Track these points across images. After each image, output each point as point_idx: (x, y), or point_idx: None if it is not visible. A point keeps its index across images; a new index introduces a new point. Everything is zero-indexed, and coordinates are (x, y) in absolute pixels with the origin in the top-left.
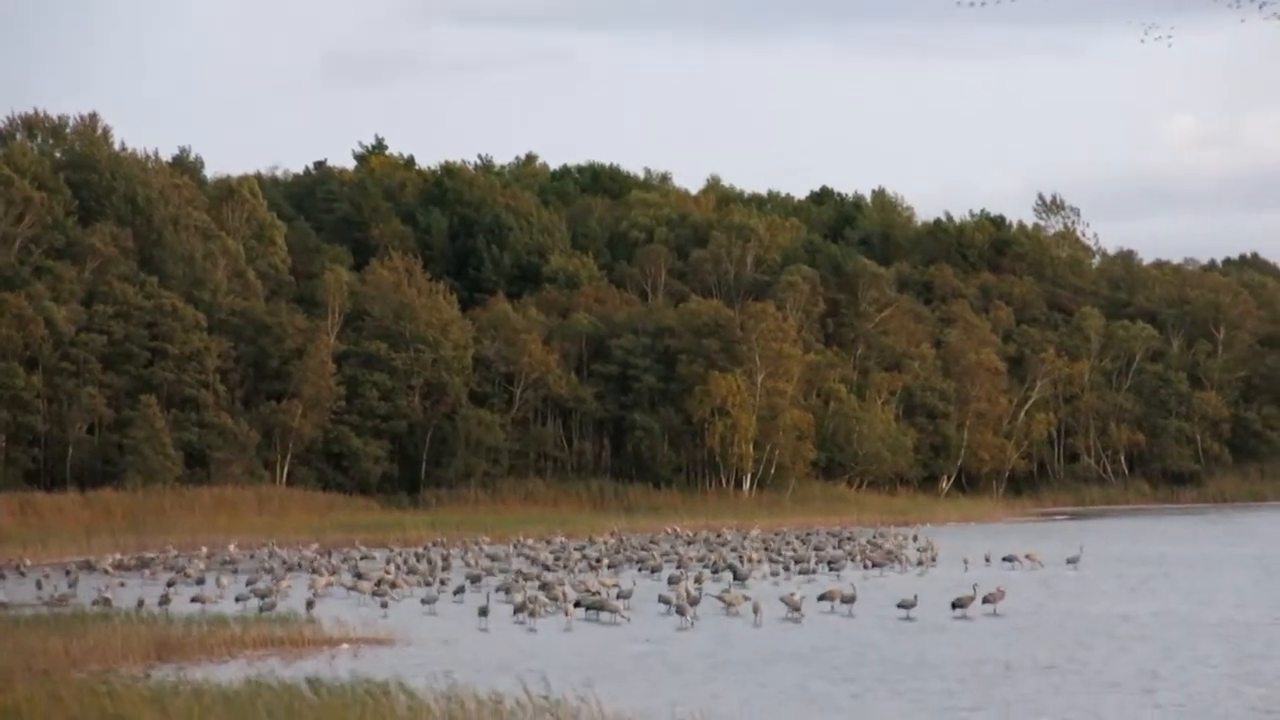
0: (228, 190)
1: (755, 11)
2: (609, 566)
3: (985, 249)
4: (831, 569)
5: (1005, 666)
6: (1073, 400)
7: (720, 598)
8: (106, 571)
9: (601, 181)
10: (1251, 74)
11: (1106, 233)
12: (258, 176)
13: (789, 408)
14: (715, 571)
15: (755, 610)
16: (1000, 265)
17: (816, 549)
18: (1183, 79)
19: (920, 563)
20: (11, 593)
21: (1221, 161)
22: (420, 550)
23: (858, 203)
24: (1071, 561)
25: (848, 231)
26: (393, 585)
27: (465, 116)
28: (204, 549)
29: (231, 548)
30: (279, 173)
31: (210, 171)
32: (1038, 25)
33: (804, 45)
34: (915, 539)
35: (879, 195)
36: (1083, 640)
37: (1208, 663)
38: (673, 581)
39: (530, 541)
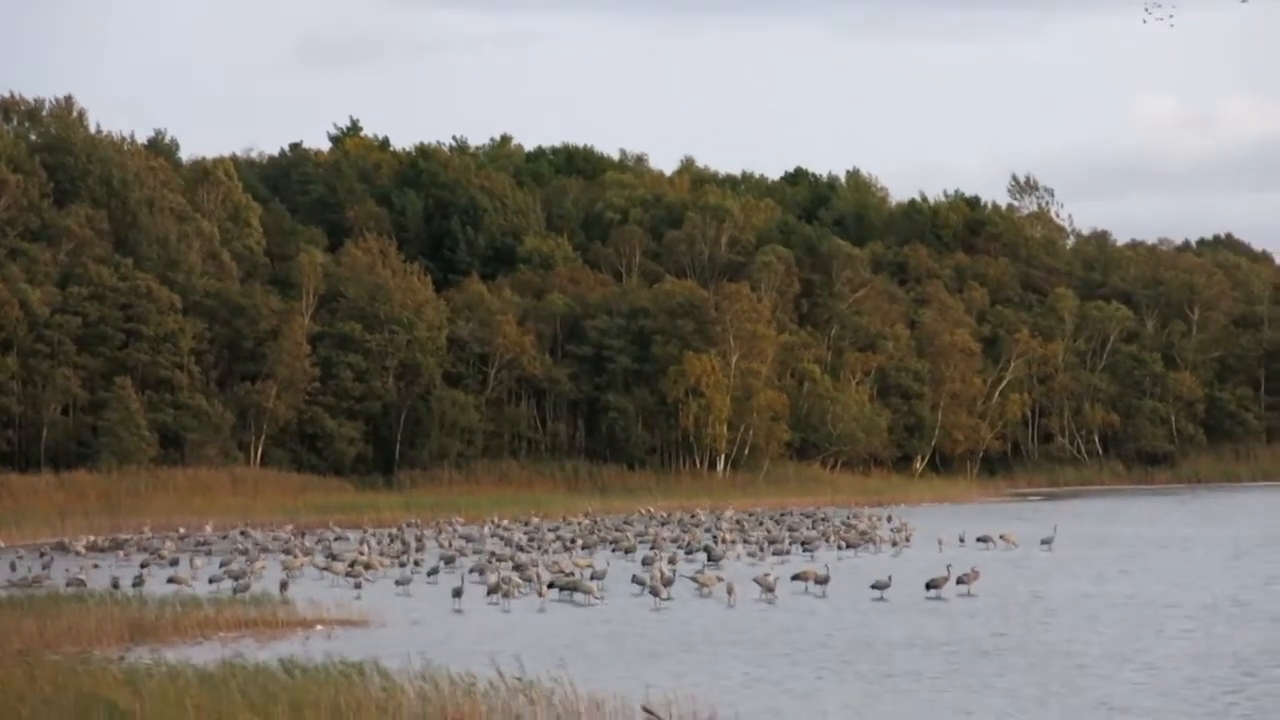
0: (203, 172)
1: None
2: (583, 548)
3: (959, 229)
4: (805, 549)
5: (977, 647)
6: (1047, 381)
7: (694, 579)
8: (79, 553)
9: (576, 163)
10: (1227, 56)
11: (1080, 213)
12: (233, 158)
13: (763, 388)
14: (689, 552)
15: (729, 591)
16: (974, 246)
17: (790, 530)
18: (1158, 60)
19: (894, 543)
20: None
21: (1196, 142)
22: (394, 531)
23: (832, 183)
24: (1045, 542)
25: (822, 212)
26: (366, 566)
27: (440, 98)
28: (180, 530)
29: (207, 529)
30: (254, 154)
31: (185, 153)
32: (1011, 5)
33: (777, 26)
34: (889, 520)
35: (853, 176)
36: (1054, 621)
37: (1176, 644)
38: (647, 562)
39: (505, 522)
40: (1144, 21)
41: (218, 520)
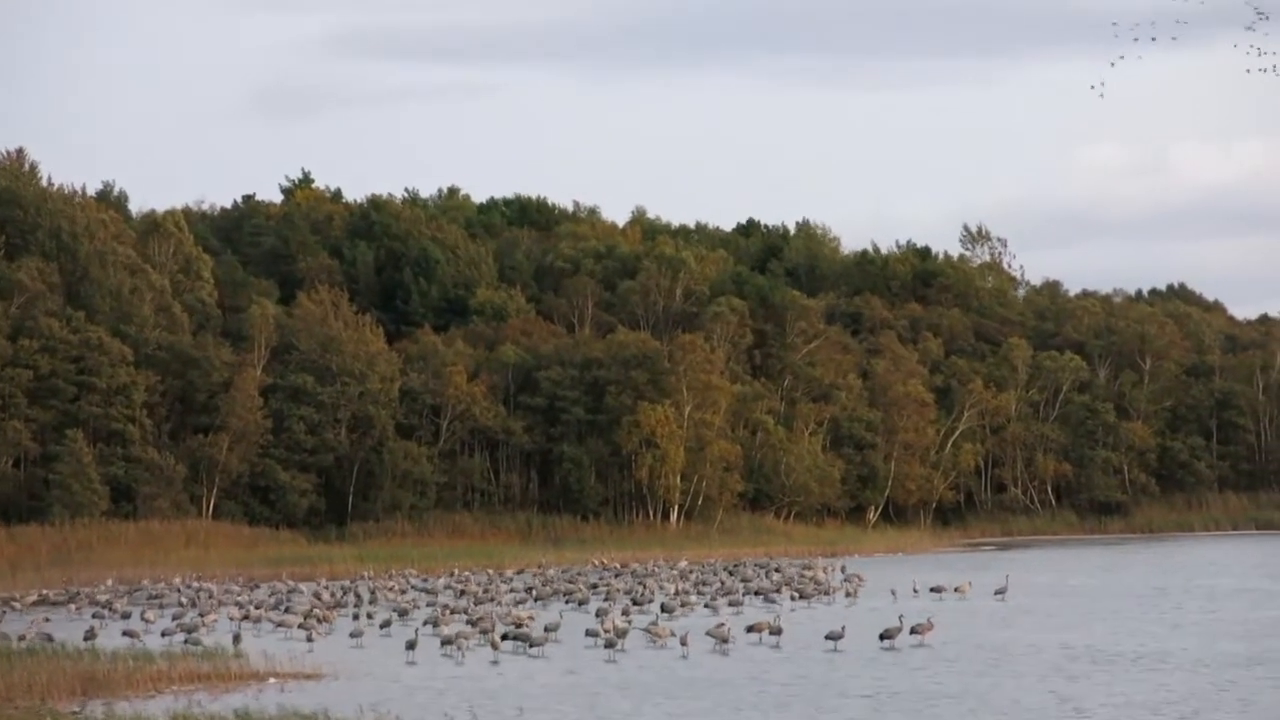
0: (154, 224)
1: (677, 45)
2: (536, 599)
3: (910, 280)
4: (759, 598)
5: (930, 697)
6: (1000, 431)
7: (647, 630)
8: (14, 607)
9: (529, 214)
10: (1174, 104)
11: (1031, 263)
12: (184, 210)
13: (716, 439)
14: (638, 604)
15: (683, 642)
16: (926, 296)
17: (744, 580)
18: (1105, 108)
19: (848, 594)
20: None
21: (1145, 191)
22: (347, 584)
23: (784, 234)
24: (999, 593)
25: (774, 263)
26: (320, 619)
27: (391, 149)
28: (145, 582)
29: (148, 582)
30: (205, 206)
31: (136, 206)
32: (959, 55)
33: (727, 78)
34: (843, 570)
35: (804, 227)
36: (1007, 671)
37: (1128, 694)
38: (600, 614)
39: (462, 573)
40: (1112, 65)
41: (169, 574)
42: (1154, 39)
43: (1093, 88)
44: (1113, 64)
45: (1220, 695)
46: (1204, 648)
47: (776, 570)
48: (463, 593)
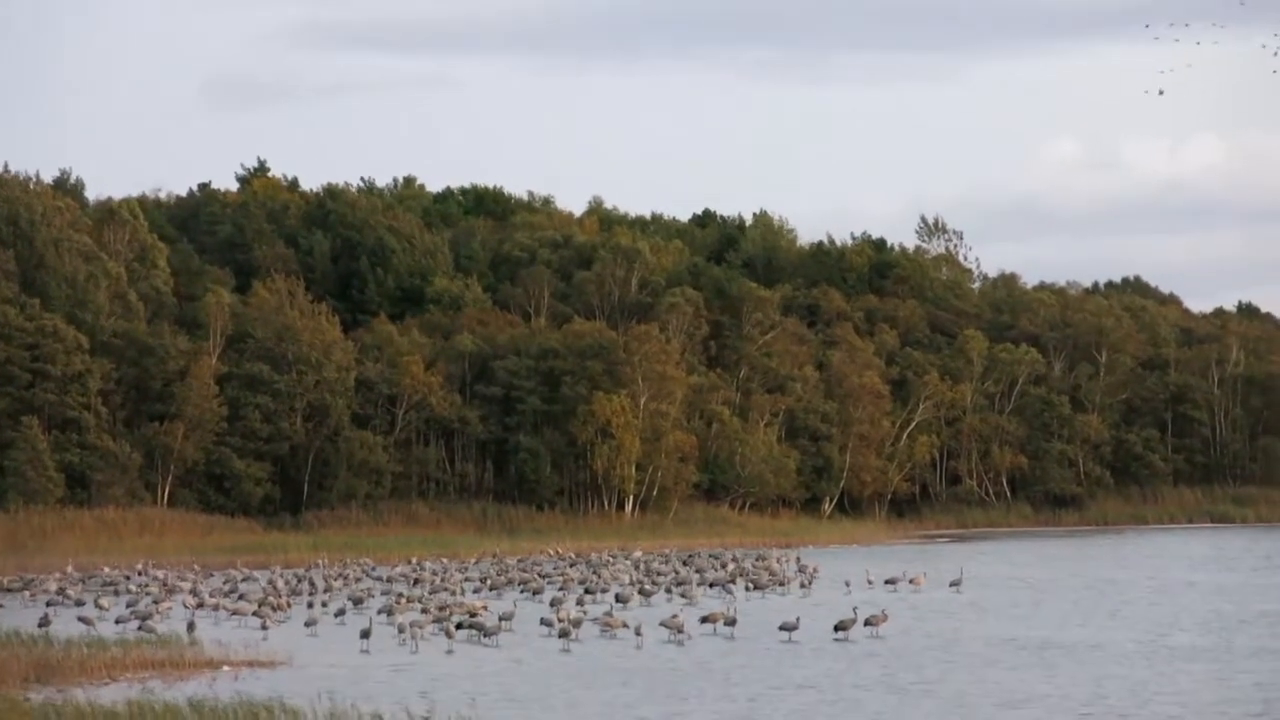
0: (109, 212)
1: (635, 36)
2: (491, 588)
3: (867, 272)
4: (714, 588)
5: (884, 688)
6: (955, 423)
7: (601, 620)
8: None
9: (485, 204)
10: (1128, 99)
11: (986, 255)
12: (140, 199)
13: (672, 430)
14: (591, 593)
15: (637, 633)
16: (883, 288)
17: (699, 571)
18: (1060, 103)
19: (803, 585)
20: None
21: (1100, 185)
22: (301, 572)
23: (740, 225)
24: (954, 584)
25: (730, 254)
26: (274, 608)
27: (347, 139)
28: (106, 569)
29: (108, 569)
30: (162, 195)
31: (92, 194)
32: (916, 49)
33: (684, 69)
34: (798, 561)
35: (761, 218)
36: (961, 662)
37: (1074, 685)
38: (555, 604)
39: (417, 561)
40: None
41: (124, 561)
42: (1198, 43)
43: (1146, 92)
44: (1162, 72)
45: (1163, 686)
46: (1151, 640)
47: (732, 561)
48: (417, 581)
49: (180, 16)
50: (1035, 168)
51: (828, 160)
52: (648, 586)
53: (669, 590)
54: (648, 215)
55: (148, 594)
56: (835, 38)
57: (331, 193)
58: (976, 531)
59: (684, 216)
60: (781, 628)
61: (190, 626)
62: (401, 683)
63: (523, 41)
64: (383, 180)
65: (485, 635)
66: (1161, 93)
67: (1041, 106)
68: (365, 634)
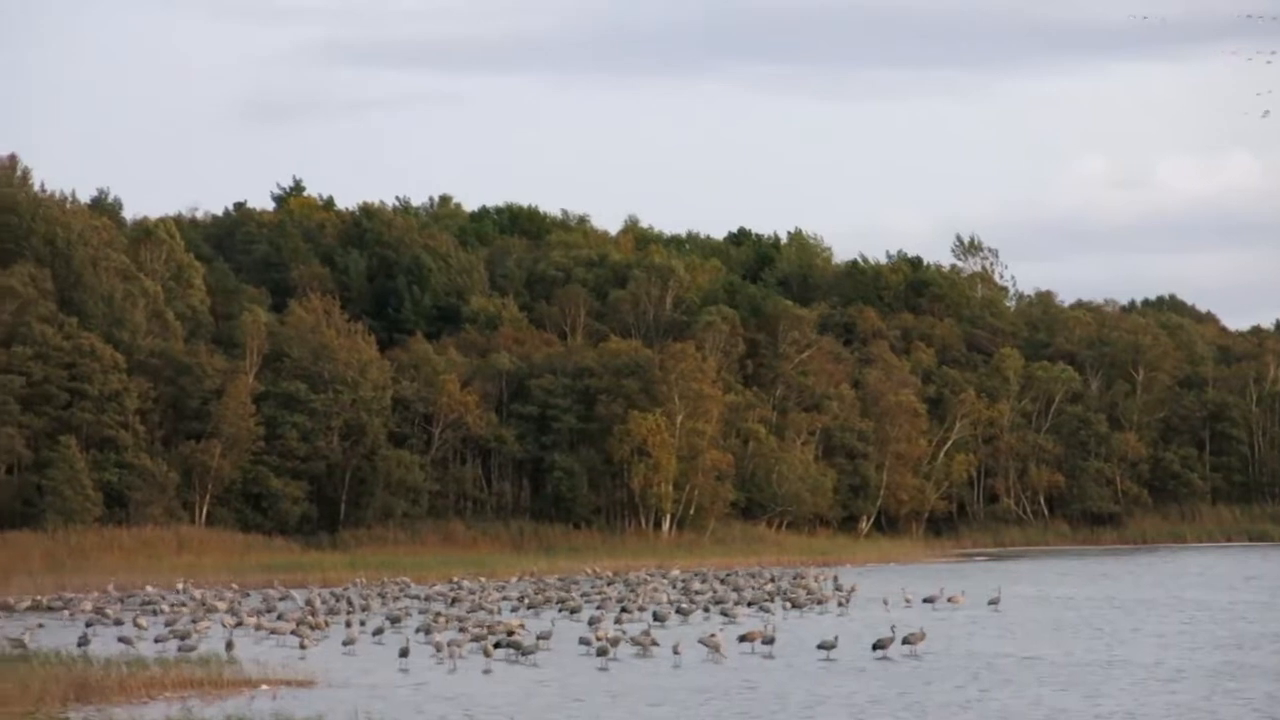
0: (145, 232)
1: (671, 54)
2: (529, 607)
3: (903, 290)
4: (752, 607)
5: (923, 707)
6: (992, 441)
7: (639, 639)
8: (10, 610)
9: (520, 222)
10: (1160, 116)
11: (1021, 274)
12: (177, 218)
13: (708, 448)
14: (628, 611)
15: (675, 651)
16: (918, 306)
17: (736, 590)
18: (1092, 120)
19: (840, 603)
20: None
21: (1134, 203)
22: (339, 591)
23: (775, 243)
24: (992, 603)
25: (766, 272)
26: (312, 627)
27: (383, 158)
28: (149, 588)
29: (151, 588)
30: (198, 214)
31: (129, 213)
32: (950, 67)
33: (719, 87)
34: (835, 580)
35: (796, 236)
36: (1000, 681)
37: (1112, 705)
38: (592, 623)
39: (458, 581)
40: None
41: (162, 580)
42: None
43: (1259, 94)
44: (1259, 94)
45: (1199, 706)
46: (1186, 660)
47: (770, 580)
48: (455, 600)
49: (216, 36)
50: (1068, 185)
51: (860, 178)
52: (685, 605)
53: (707, 609)
54: (683, 234)
55: (186, 613)
56: (868, 55)
57: (367, 211)
58: (1014, 550)
59: (719, 235)
60: (819, 646)
61: (229, 645)
62: (439, 702)
63: (557, 60)
64: (418, 199)
65: (523, 654)
66: (1266, 114)
67: (1073, 124)
68: (403, 653)
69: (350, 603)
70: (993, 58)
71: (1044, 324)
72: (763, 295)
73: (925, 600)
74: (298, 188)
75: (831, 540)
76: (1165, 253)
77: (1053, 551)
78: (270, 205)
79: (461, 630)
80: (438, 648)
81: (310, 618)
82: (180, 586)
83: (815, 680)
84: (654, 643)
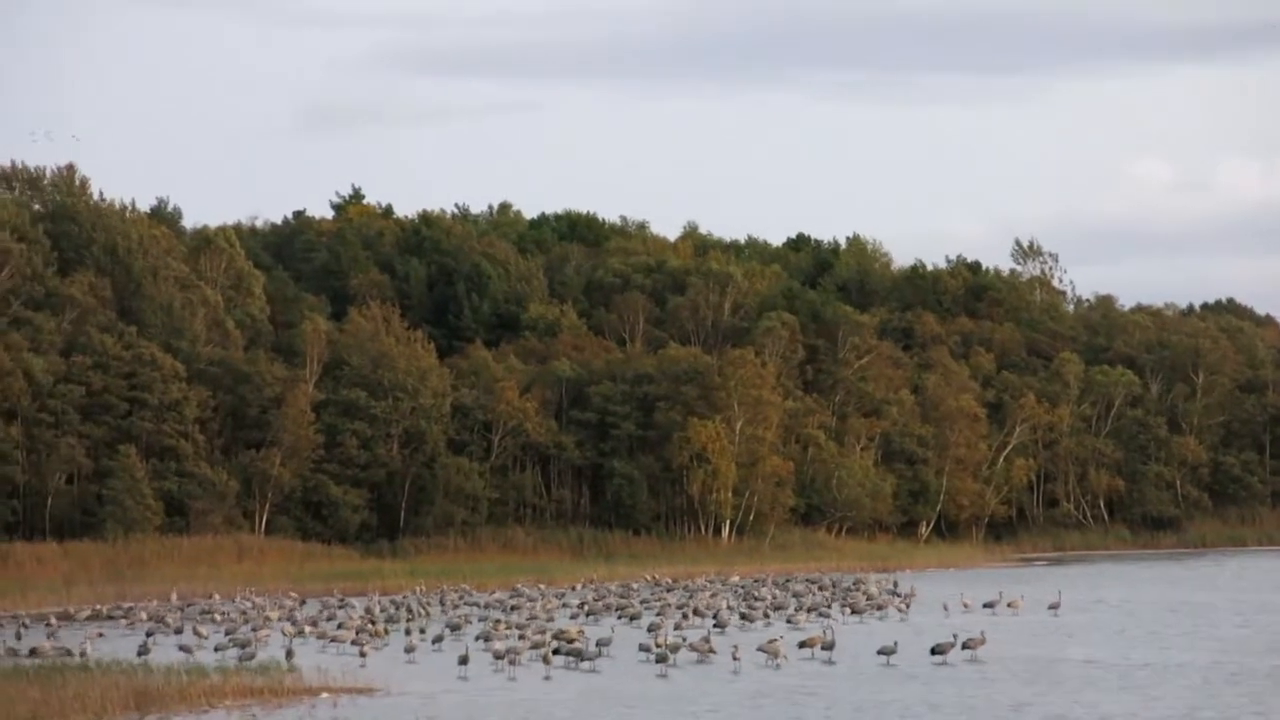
0: (205, 240)
1: (728, 60)
2: (588, 614)
3: (962, 295)
4: (811, 613)
5: (983, 712)
6: (1052, 446)
7: (699, 645)
8: (71, 619)
9: (578, 229)
10: (1221, 119)
11: (1079, 278)
12: (236, 226)
13: (768, 454)
14: (686, 618)
15: (734, 657)
16: (977, 311)
17: (796, 595)
18: (1152, 123)
19: (900, 609)
20: None
21: (1194, 205)
22: (399, 598)
23: (834, 249)
24: (1052, 607)
25: (824, 278)
26: (372, 635)
27: (441, 165)
28: (216, 597)
29: (218, 597)
30: (258, 222)
31: (188, 222)
32: (1008, 70)
33: (778, 93)
34: (895, 585)
35: (855, 241)
36: (1060, 686)
37: (1167, 708)
38: (652, 629)
39: (519, 588)
40: None
41: (222, 589)
42: None
43: None
44: None
45: (1254, 709)
46: (1243, 663)
47: (829, 585)
48: (515, 608)
49: (274, 44)
50: (1126, 189)
51: (919, 182)
52: (745, 611)
53: (767, 615)
54: (742, 239)
55: (246, 621)
56: (924, 60)
57: (426, 219)
58: (1074, 554)
59: (778, 240)
60: (879, 652)
61: (289, 654)
62: (499, 709)
63: (613, 67)
64: (477, 207)
65: (582, 661)
66: None
67: (1132, 127)
68: (463, 660)
69: (410, 610)
70: (1052, 62)
71: (1103, 328)
72: (822, 301)
73: (985, 605)
74: (357, 196)
75: (891, 546)
76: (1225, 255)
77: (1112, 556)
78: (329, 213)
79: (521, 637)
80: (497, 655)
81: (370, 626)
82: (247, 595)
83: (874, 685)
84: (710, 649)
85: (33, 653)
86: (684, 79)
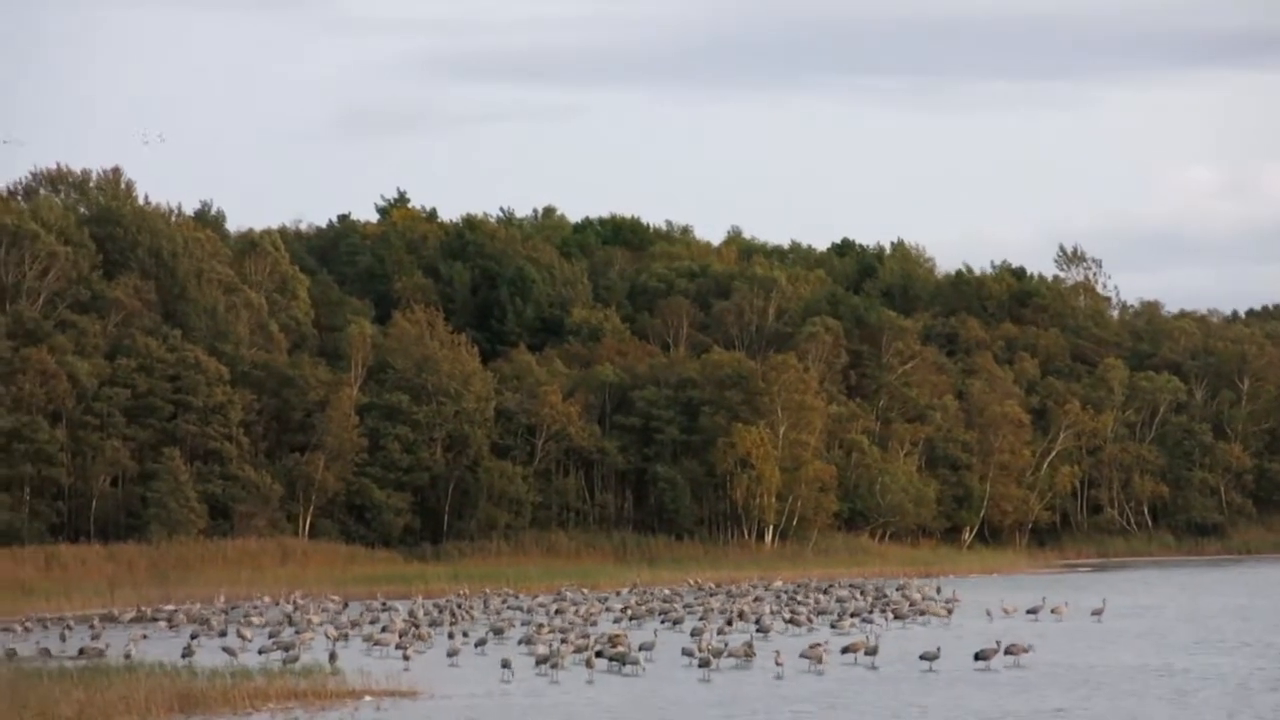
0: (250, 244)
1: (772, 66)
2: (631, 618)
3: (1006, 300)
4: (855, 618)
5: (1022, 716)
6: (1096, 452)
7: (742, 650)
8: (115, 621)
9: (622, 234)
10: (1265, 125)
11: (1123, 284)
12: (280, 230)
13: (812, 459)
14: (730, 623)
15: (778, 662)
16: (1022, 317)
17: (839, 601)
18: (1196, 129)
19: (943, 614)
20: (28, 645)
21: (1239, 212)
22: (442, 602)
23: (878, 254)
24: (1096, 614)
25: (868, 283)
26: (416, 638)
27: (486, 170)
28: (265, 598)
29: (266, 598)
30: (302, 226)
31: (233, 225)
32: (1052, 76)
33: (821, 98)
34: (939, 591)
35: (899, 246)
36: (1103, 692)
37: (1207, 713)
38: (695, 633)
39: (563, 592)
40: None
41: (266, 592)
42: None
43: None
44: None
45: None
46: None
47: (873, 591)
48: (558, 611)
49: (318, 48)
50: (1171, 195)
51: (963, 188)
52: (789, 616)
53: (810, 620)
54: (785, 244)
55: (290, 624)
56: (970, 65)
57: (470, 223)
58: (1118, 561)
59: (822, 245)
60: (922, 657)
61: (332, 656)
62: (541, 713)
63: (658, 72)
64: (522, 211)
65: (625, 665)
66: None
67: (1177, 133)
68: (506, 664)
69: (453, 614)
70: (1097, 68)
71: (1148, 334)
72: (866, 306)
73: (1028, 611)
74: (401, 199)
75: (935, 551)
76: (1271, 262)
77: (1157, 562)
78: (374, 217)
79: (564, 641)
80: (540, 659)
81: (413, 629)
82: (294, 597)
83: (917, 690)
84: (748, 654)
85: (81, 653)
86: (730, 84)
